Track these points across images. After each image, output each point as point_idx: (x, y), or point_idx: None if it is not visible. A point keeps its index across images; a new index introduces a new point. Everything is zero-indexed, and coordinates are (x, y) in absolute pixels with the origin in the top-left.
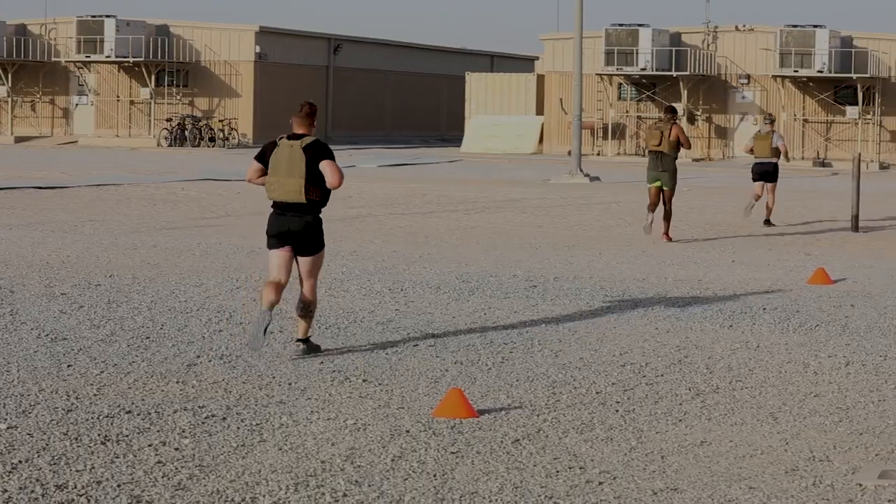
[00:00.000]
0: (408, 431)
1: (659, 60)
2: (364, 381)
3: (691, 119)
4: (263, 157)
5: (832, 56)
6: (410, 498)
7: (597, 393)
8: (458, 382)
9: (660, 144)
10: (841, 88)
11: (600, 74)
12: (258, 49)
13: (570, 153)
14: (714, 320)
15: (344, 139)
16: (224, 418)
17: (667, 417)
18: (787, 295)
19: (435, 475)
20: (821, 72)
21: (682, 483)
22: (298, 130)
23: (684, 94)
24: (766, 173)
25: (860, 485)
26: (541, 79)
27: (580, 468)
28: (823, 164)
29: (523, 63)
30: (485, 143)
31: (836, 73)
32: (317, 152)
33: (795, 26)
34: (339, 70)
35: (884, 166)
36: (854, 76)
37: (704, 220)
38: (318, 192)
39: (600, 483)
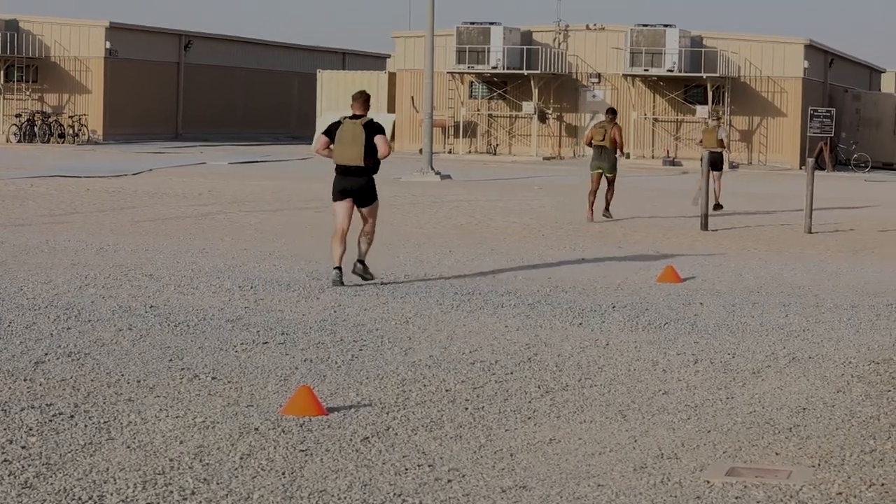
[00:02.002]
0: (256, 429)
1: (510, 59)
2: (213, 378)
3: (542, 118)
4: (330, 133)
5: (682, 55)
6: (259, 496)
7: (446, 391)
8: (308, 380)
9: (603, 140)
10: (691, 88)
11: (452, 73)
12: (108, 45)
13: (421, 151)
14: (563, 318)
15: (194, 136)
16: (72, 416)
17: (516, 415)
18: (637, 293)
19: (284, 473)
20: (671, 71)
21: (531, 481)
22: (358, 112)
23: (535, 92)
24: (712, 162)
25: (708, 482)
26: (392, 77)
27: (429, 466)
28: (673, 163)
29: (375, 61)
30: None
31: (685, 72)
32: (372, 129)
33: (646, 25)
34: (189, 67)
35: (733, 165)
36: (704, 75)
37: (553, 219)
38: (371, 160)
39: (449, 481)
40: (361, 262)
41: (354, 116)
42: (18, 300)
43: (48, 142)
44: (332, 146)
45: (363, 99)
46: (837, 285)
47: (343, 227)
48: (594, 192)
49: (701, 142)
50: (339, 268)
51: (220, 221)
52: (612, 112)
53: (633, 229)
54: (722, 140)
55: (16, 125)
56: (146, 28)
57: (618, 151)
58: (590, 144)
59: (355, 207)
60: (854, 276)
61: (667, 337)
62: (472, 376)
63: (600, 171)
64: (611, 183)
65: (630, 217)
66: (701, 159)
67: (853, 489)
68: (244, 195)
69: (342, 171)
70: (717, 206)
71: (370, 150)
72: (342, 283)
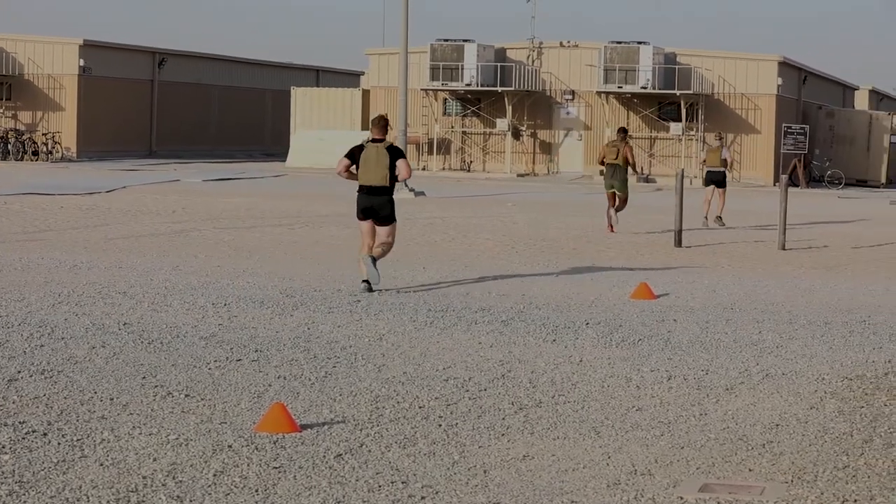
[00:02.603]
0: (230, 446)
1: (484, 76)
2: (186, 396)
3: (516, 135)
4: (353, 156)
5: (656, 72)
6: None
7: (420, 407)
8: (281, 397)
9: (616, 158)
10: (665, 105)
11: (426, 89)
12: (82, 62)
13: None
14: (537, 335)
15: (168, 153)
16: (45, 434)
17: (489, 432)
18: (611, 309)
19: (257, 490)
20: (645, 88)
21: (505, 497)
22: (378, 136)
23: (509, 109)
24: (716, 180)
25: (681, 498)
26: (366, 94)
27: (402, 483)
28: (647, 180)
29: (349, 78)
30: (310, 157)
31: (659, 89)
32: (395, 153)
33: (619, 43)
34: (163, 84)
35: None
36: (677, 92)
37: (527, 236)
38: (392, 180)
39: (422, 497)
40: (373, 258)
41: (375, 140)
42: None
43: (22, 159)
44: (352, 169)
45: (382, 124)
46: (811, 302)
47: (369, 244)
48: (613, 205)
49: (704, 161)
50: (368, 281)
51: (193, 238)
52: (623, 131)
53: (607, 246)
54: (726, 160)
55: None
56: (120, 45)
57: (629, 170)
58: (602, 163)
59: (376, 226)
60: (827, 292)
61: (640, 353)
62: (445, 393)
63: (613, 189)
64: (623, 201)
65: (604, 233)
66: (705, 178)
67: None
68: (218, 212)
69: (366, 190)
70: (719, 220)
71: (391, 171)
72: (378, 280)
